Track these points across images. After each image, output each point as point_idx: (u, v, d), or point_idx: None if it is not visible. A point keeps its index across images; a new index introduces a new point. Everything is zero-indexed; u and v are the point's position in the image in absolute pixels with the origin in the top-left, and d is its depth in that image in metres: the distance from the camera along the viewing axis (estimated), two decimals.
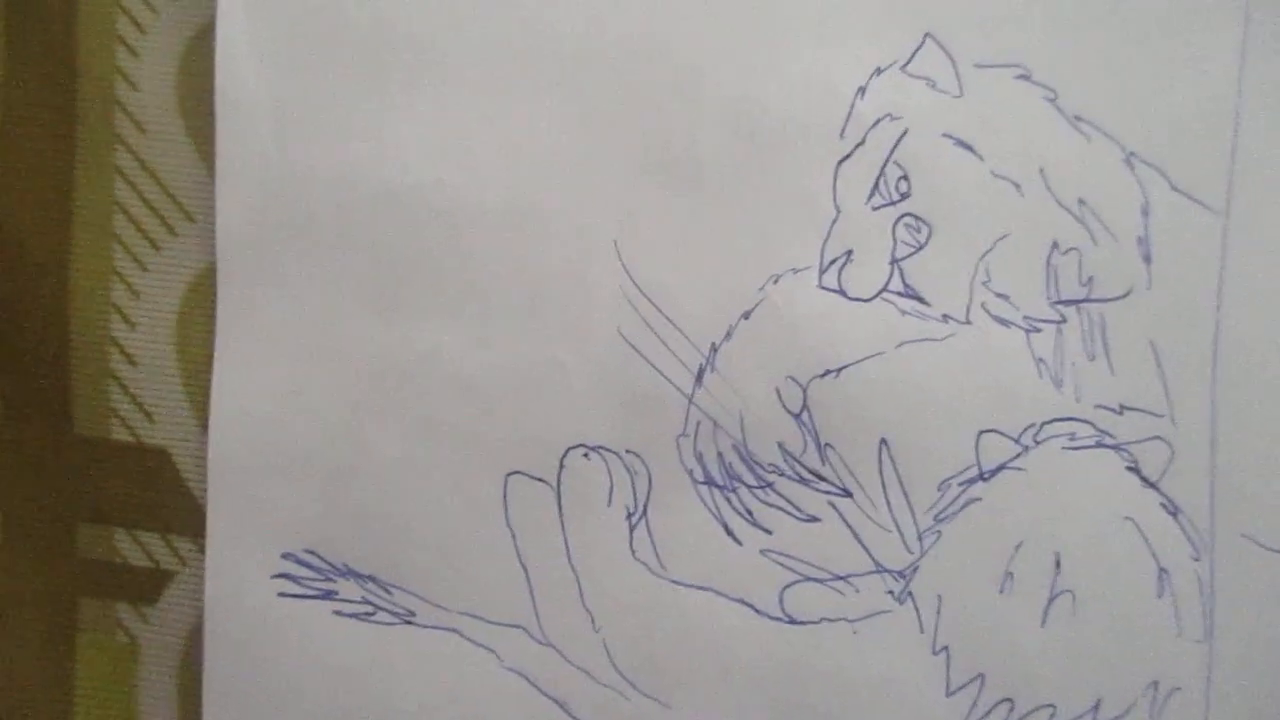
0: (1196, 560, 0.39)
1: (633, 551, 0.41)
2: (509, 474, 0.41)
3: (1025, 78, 0.39)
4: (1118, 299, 0.39)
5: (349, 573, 0.42)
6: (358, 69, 0.41)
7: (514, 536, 0.41)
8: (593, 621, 0.41)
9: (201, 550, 0.43)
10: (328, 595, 0.42)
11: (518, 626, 0.41)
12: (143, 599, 0.44)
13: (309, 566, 0.42)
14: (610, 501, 0.41)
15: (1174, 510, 0.39)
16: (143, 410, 0.43)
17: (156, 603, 0.44)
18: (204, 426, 0.43)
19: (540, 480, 0.41)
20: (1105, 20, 0.39)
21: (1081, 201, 0.39)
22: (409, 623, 0.42)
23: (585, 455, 0.41)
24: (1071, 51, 0.39)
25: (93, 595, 0.44)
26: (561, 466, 0.41)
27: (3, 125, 0.43)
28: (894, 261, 0.40)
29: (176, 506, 0.43)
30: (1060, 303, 0.39)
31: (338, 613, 0.42)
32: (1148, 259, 0.39)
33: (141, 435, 0.43)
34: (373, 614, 0.42)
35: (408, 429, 0.41)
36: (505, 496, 0.41)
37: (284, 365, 0.42)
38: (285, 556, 0.42)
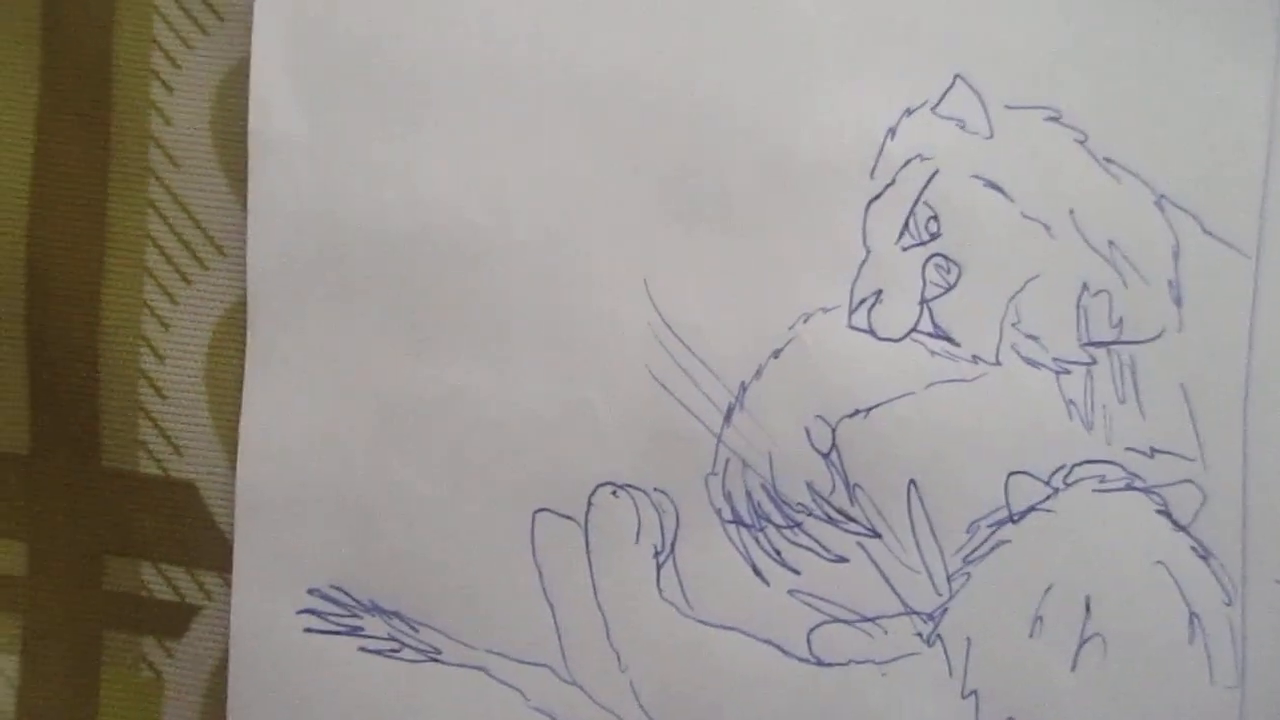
0: (1228, 605, 0.39)
1: (660, 591, 0.41)
2: (536, 511, 0.41)
3: (1055, 119, 0.39)
4: (1149, 341, 0.39)
5: (375, 609, 0.42)
6: (391, 107, 0.41)
7: (540, 574, 0.41)
8: (619, 661, 0.41)
9: (227, 585, 0.43)
10: (353, 631, 0.42)
11: (544, 665, 0.41)
12: (168, 634, 0.44)
13: (335, 602, 0.42)
14: (638, 540, 0.41)
15: (1205, 554, 0.39)
16: (171, 444, 0.43)
17: (182, 638, 0.44)
18: (232, 461, 0.43)
19: (568, 518, 0.41)
20: (1136, 62, 0.39)
21: (1112, 243, 0.39)
22: (435, 660, 0.42)
23: (613, 493, 0.41)
24: (1102, 93, 0.39)
25: (118, 629, 0.44)
26: (590, 504, 0.41)
27: (37, 157, 0.43)
28: (923, 302, 0.40)
29: (203, 541, 0.43)
30: (1090, 344, 0.39)
31: (363, 649, 0.42)
32: (1179, 301, 0.39)
33: (169, 469, 0.43)
34: (398, 651, 0.42)
35: (435, 466, 0.41)
36: (533, 534, 0.41)
37: (313, 400, 0.42)
38: (311, 592, 0.42)
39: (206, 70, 0.43)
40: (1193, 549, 0.39)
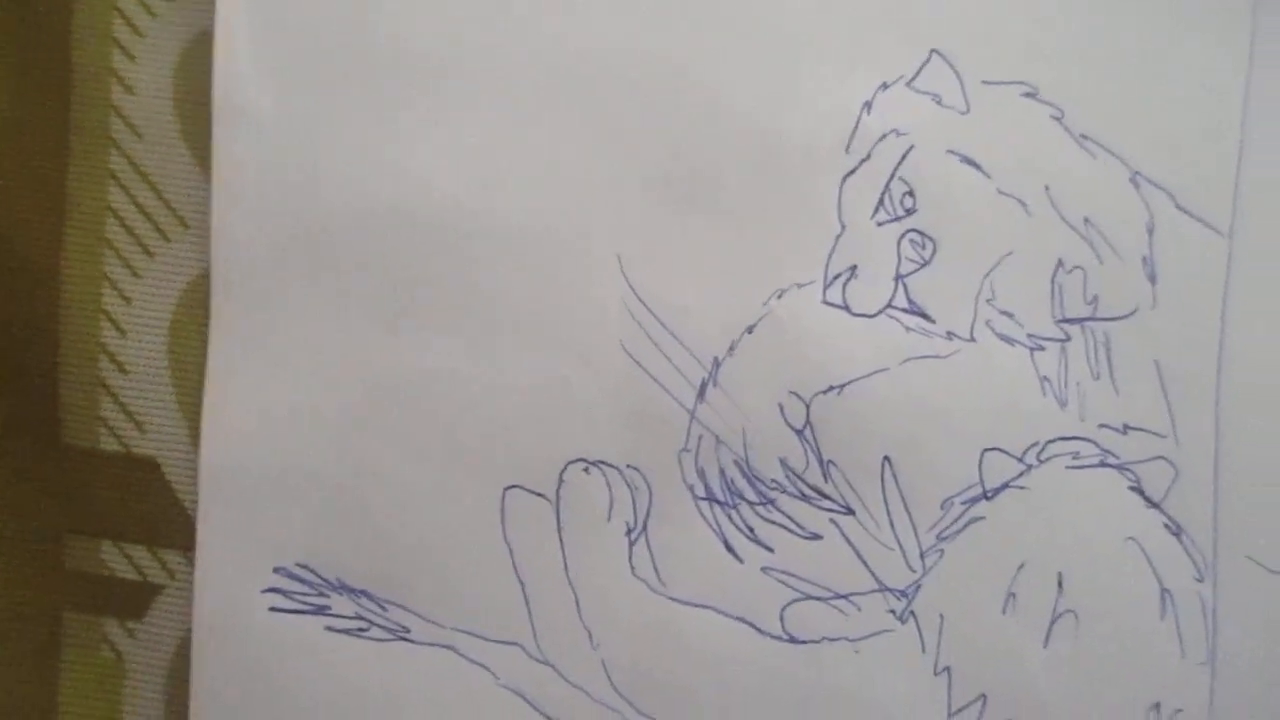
0: (1199, 582, 0.39)
1: (632, 568, 0.40)
2: (507, 488, 0.40)
3: (1032, 95, 0.39)
4: (1123, 318, 0.39)
5: (342, 587, 0.41)
6: (366, 82, 0.40)
7: (511, 552, 0.41)
8: (591, 639, 0.40)
9: (190, 564, 0.42)
10: (320, 610, 0.41)
11: (514, 644, 0.41)
12: (130, 614, 0.43)
13: (301, 581, 0.41)
14: (610, 517, 0.40)
15: (1177, 531, 0.39)
16: (133, 420, 0.43)
17: (143, 618, 0.43)
18: (195, 437, 0.42)
19: (539, 495, 0.40)
20: (1112, 39, 0.39)
21: (1087, 220, 0.39)
22: (403, 639, 0.41)
23: (585, 470, 0.40)
24: (1078, 70, 0.39)
25: (78, 610, 0.43)
26: (561, 481, 0.40)
27: None
28: (898, 277, 0.39)
29: (166, 518, 0.42)
30: (1065, 321, 0.39)
31: (330, 628, 0.41)
32: (1153, 278, 0.39)
33: (131, 445, 0.43)
34: (366, 630, 0.41)
35: (404, 442, 0.41)
36: (503, 511, 0.40)
37: (278, 376, 0.41)
38: (277, 570, 0.41)
39: (170, 38, 0.42)
40: (1165, 525, 0.39)
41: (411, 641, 0.41)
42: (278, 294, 0.41)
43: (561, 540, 0.40)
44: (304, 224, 0.41)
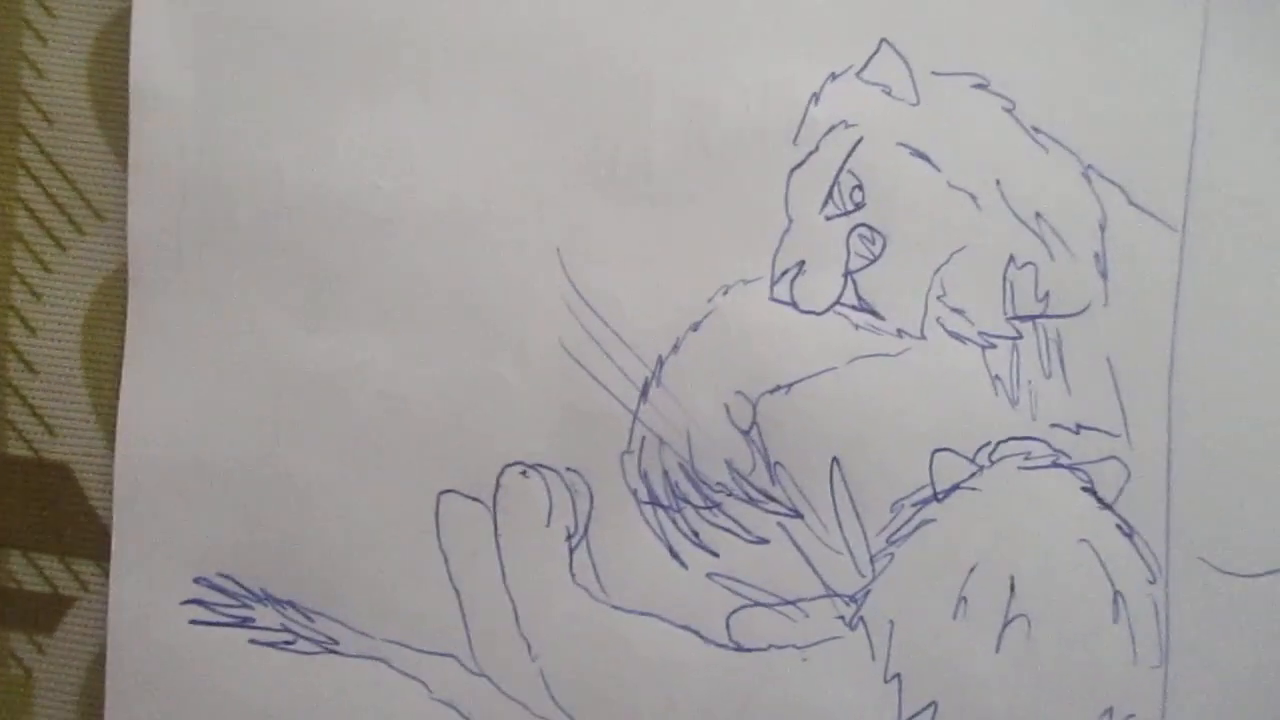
0: (1152, 584, 0.38)
1: (572, 575, 0.39)
2: (442, 493, 0.39)
3: (983, 87, 0.38)
4: (1074, 315, 0.38)
5: (267, 598, 0.39)
6: (289, 66, 0.38)
7: (446, 559, 0.39)
8: (529, 650, 0.39)
9: (105, 574, 0.40)
10: (243, 623, 0.39)
11: (449, 655, 0.39)
12: (39, 628, 0.41)
13: (223, 591, 0.39)
14: (549, 522, 0.39)
15: (1130, 532, 0.38)
16: (43, 423, 0.40)
17: (54, 632, 0.41)
18: (110, 441, 0.40)
19: (475, 500, 0.39)
20: (1064, 31, 0.38)
21: (1039, 215, 0.38)
22: (331, 651, 0.39)
23: (523, 473, 0.39)
24: (1030, 61, 0.38)
25: None
26: (498, 485, 0.39)
27: None
28: (847, 274, 0.38)
29: (78, 527, 0.40)
30: (1016, 318, 0.38)
31: (254, 641, 0.39)
32: (1105, 275, 0.38)
33: (41, 450, 0.40)
34: (292, 642, 0.39)
35: (333, 445, 0.39)
36: (438, 517, 0.39)
37: (199, 376, 0.39)
38: (197, 581, 0.39)
39: (84, 19, 0.40)
40: (1118, 527, 0.38)
41: (340, 654, 0.39)
42: (198, 289, 0.39)
43: (499, 547, 0.39)
44: (227, 215, 0.39)
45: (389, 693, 0.39)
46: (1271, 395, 0.38)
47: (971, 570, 0.38)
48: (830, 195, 0.38)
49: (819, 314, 0.38)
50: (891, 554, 0.38)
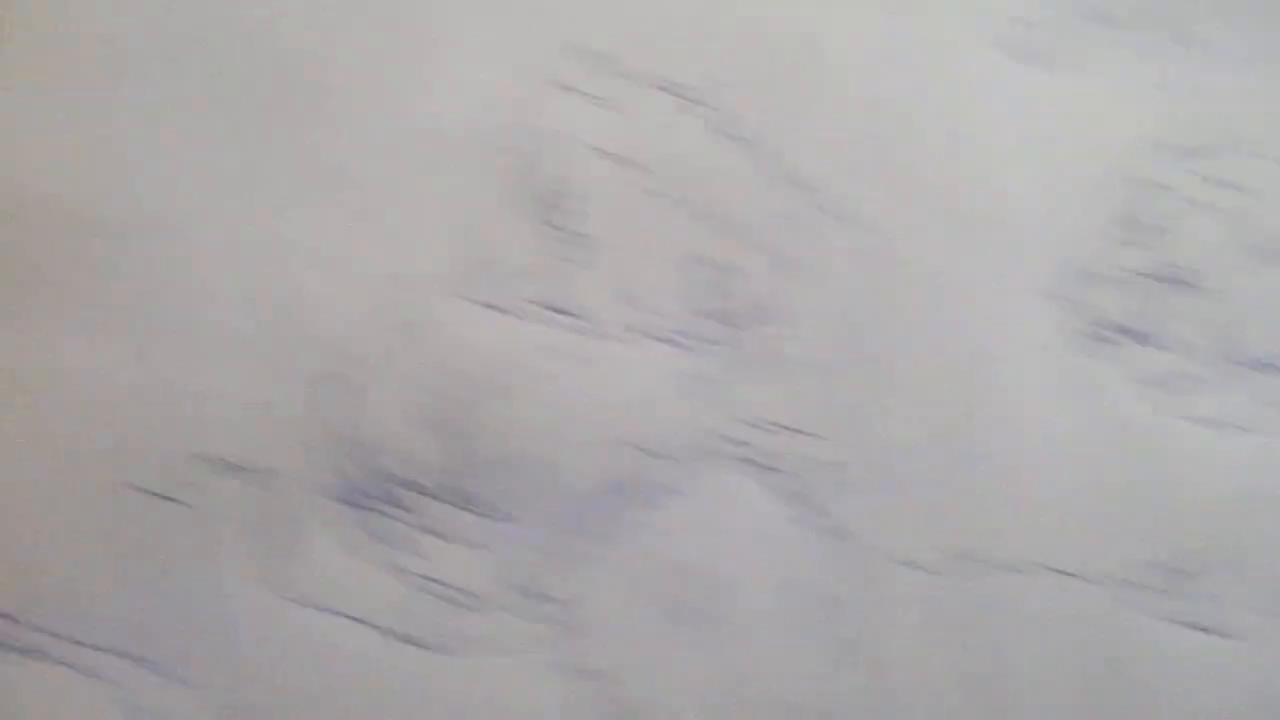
0: (855, 583, 0.39)
1: (268, 577, 0.38)
2: (135, 493, 0.38)
3: (679, 94, 0.39)
4: (771, 315, 0.39)
5: None
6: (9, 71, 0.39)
7: (138, 560, 0.38)
8: (224, 652, 0.38)
9: None
10: None
11: (141, 658, 0.38)
12: None
13: None
14: (246, 524, 0.38)
15: (832, 531, 0.39)
16: None
17: None
18: None
19: (169, 499, 0.38)
20: (760, 36, 0.39)
21: (733, 217, 0.39)
22: (15, 655, 0.38)
23: (218, 473, 0.38)
24: (726, 67, 0.39)
25: None
26: (192, 485, 0.38)
27: None
28: (544, 275, 0.39)
29: None
30: (712, 318, 0.39)
31: None
32: (798, 275, 0.39)
33: None
34: None
35: (17, 445, 0.38)
36: (130, 518, 0.38)
37: None
38: None
39: None
40: (825, 529, 0.39)
41: (25, 658, 0.38)
42: None
43: (193, 547, 0.38)
44: None
45: (78, 700, 0.38)
46: (961, 396, 0.39)
47: (674, 571, 0.39)
48: (529, 198, 0.39)
49: (516, 315, 0.39)
50: (595, 556, 0.38)
